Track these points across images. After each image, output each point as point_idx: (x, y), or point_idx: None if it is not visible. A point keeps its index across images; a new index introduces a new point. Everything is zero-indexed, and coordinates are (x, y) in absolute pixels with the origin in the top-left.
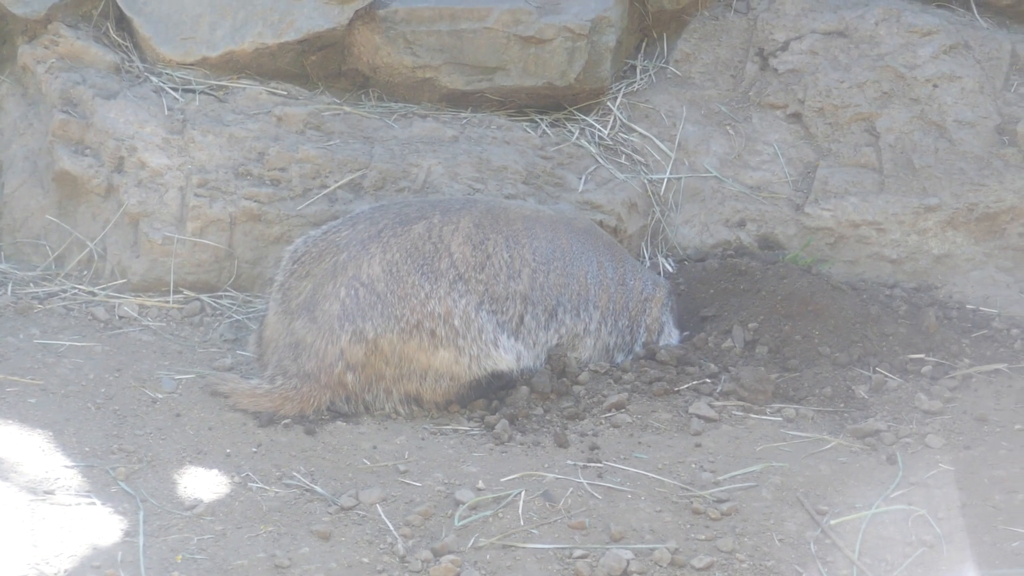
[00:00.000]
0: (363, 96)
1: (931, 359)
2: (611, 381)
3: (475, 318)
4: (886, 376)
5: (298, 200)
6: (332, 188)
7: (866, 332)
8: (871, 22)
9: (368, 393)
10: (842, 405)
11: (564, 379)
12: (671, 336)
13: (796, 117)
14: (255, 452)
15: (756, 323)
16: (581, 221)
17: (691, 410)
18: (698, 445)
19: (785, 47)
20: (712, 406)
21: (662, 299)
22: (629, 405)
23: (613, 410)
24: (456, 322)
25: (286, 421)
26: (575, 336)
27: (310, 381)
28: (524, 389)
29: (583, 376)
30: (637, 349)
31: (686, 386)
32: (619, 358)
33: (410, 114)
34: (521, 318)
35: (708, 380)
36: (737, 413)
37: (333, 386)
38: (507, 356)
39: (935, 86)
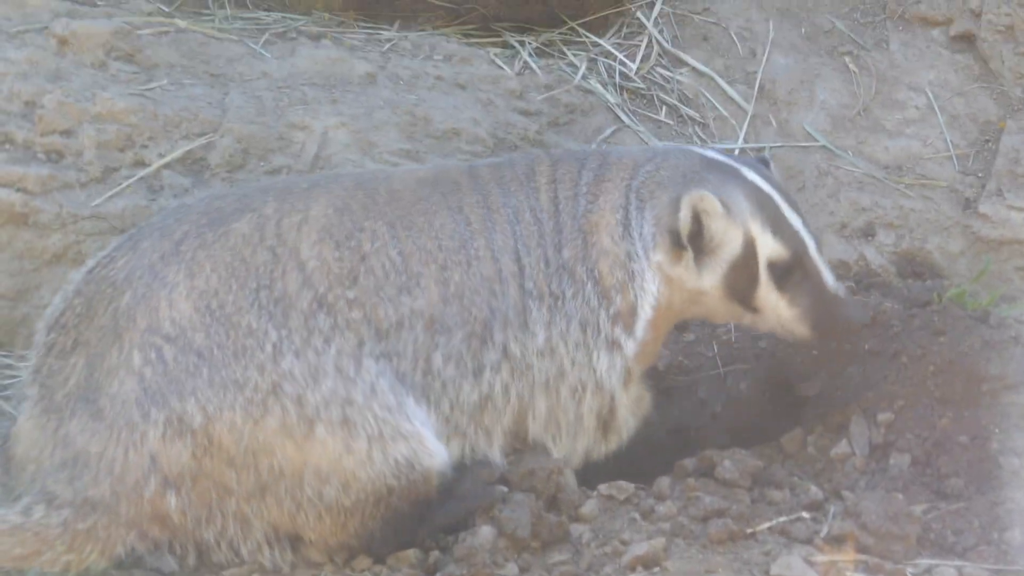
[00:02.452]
0: (211, 1)
1: None
2: (636, 516)
3: (358, 371)
4: None
5: (95, 188)
6: (155, 167)
7: None
8: None
9: (207, 528)
10: None
11: (556, 513)
12: None
13: (966, 41)
14: None
15: (891, 412)
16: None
17: (775, 570)
18: None
19: None
20: (812, 562)
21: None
22: (667, 560)
23: (640, 568)
24: (330, 383)
25: None
26: (523, 370)
27: (98, 514)
28: (487, 531)
29: (587, 508)
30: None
31: (767, 525)
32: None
33: (293, 32)
34: (427, 361)
35: (806, 515)
36: (857, 575)
37: (144, 522)
38: (428, 435)
39: None
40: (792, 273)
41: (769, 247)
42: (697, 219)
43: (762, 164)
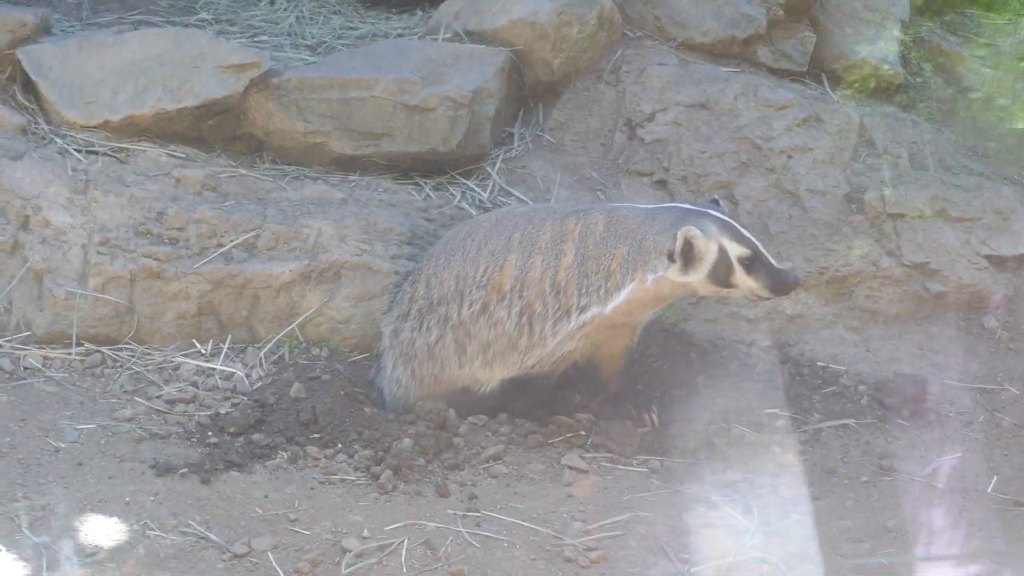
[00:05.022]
0: (257, 159)
1: (784, 414)
2: (488, 433)
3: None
4: (743, 430)
5: (195, 258)
6: (228, 247)
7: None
8: (731, 96)
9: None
10: (702, 457)
11: (445, 432)
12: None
13: (661, 184)
14: (153, 500)
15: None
16: None
17: (564, 461)
18: (569, 495)
19: (651, 118)
20: (584, 457)
21: None
22: (505, 456)
23: (491, 461)
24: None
25: (183, 471)
26: None
27: None
28: (408, 442)
29: (463, 428)
30: None
31: (559, 439)
32: None
33: (302, 176)
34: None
35: (583, 432)
36: (606, 464)
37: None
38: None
39: (789, 157)
40: (753, 262)
41: (736, 250)
42: (688, 243)
43: (715, 203)
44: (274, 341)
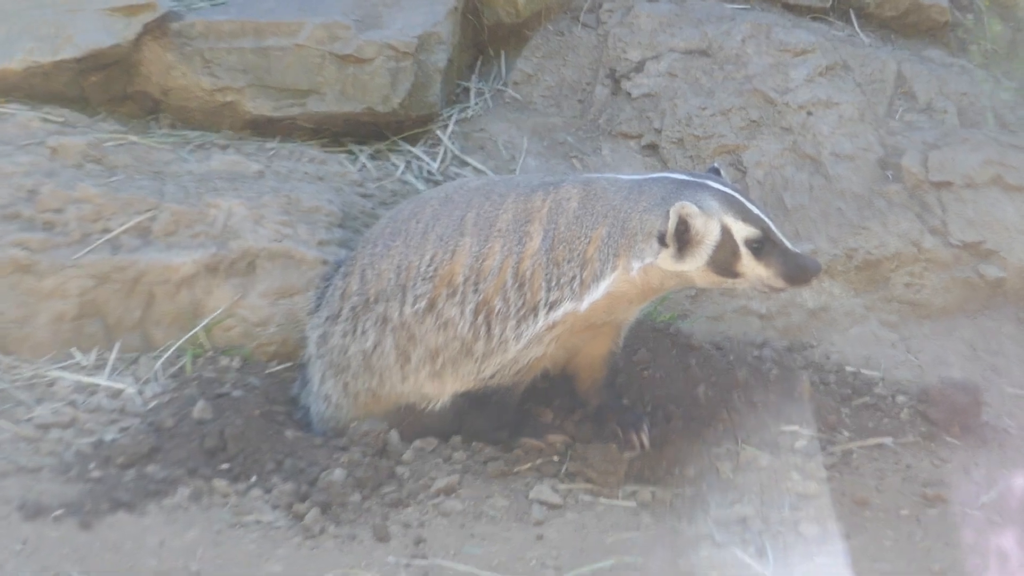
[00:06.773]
0: (153, 123)
1: (806, 432)
2: (440, 460)
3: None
4: (755, 452)
5: (75, 247)
6: (116, 233)
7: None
8: (737, 39)
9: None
10: (705, 487)
11: (386, 459)
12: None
13: (652, 149)
14: (20, 550)
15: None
16: None
17: (532, 495)
18: (540, 537)
19: (640, 68)
20: (557, 489)
21: None
22: (460, 489)
23: (442, 495)
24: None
25: (58, 512)
26: None
27: None
28: (339, 472)
29: (407, 455)
30: None
31: (527, 466)
32: None
33: (208, 144)
34: None
35: (555, 458)
36: (585, 498)
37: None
38: None
39: (809, 113)
40: (763, 245)
41: (742, 230)
42: (683, 222)
43: (715, 173)
44: (173, 349)
